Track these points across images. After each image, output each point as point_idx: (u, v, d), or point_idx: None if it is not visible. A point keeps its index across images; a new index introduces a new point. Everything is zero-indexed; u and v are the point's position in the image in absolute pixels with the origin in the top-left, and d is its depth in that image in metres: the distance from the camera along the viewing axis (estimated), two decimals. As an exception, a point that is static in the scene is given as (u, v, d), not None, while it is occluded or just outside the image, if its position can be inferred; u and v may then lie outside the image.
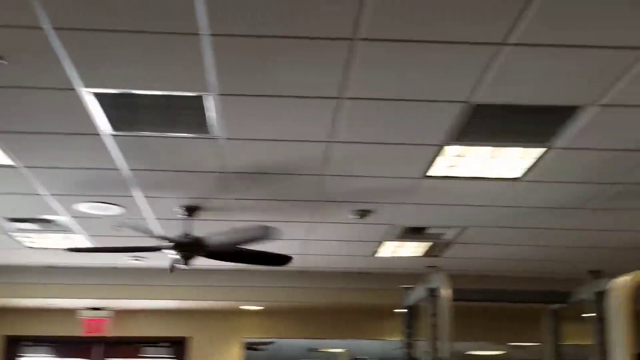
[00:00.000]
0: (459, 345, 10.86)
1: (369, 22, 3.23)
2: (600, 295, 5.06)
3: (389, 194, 5.84)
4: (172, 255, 6.04)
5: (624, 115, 4.34)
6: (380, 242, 7.54)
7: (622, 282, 3.40)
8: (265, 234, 5.58)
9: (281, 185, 5.66)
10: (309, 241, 7.44)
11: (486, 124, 4.48)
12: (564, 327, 6.24)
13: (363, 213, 6.29)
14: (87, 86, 3.92)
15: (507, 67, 3.70)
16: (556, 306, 5.62)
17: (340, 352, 12.42)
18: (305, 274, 9.14)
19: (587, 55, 3.60)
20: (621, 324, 3.31)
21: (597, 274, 5.05)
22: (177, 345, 10.04)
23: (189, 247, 5.82)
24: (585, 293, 5.10)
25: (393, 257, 8.16)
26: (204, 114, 4.29)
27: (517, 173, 5.36)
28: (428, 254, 7.91)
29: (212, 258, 6.27)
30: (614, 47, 3.53)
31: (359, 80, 3.83)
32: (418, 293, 6.02)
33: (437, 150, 4.87)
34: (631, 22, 3.30)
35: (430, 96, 4.05)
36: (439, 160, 5.07)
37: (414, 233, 7.09)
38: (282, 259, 6.67)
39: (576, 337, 8.69)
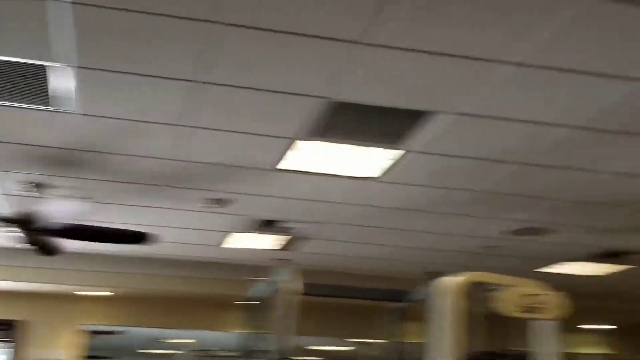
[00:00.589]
0: (306, 340, 10.98)
1: (228, 5, 3.16)
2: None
3: (241, 184, 5.78)
4: (17, 233, 5.73)
5: (476, 125, 4.46)
6: (231, 233, 7.46)
7: (450, 282, 3.54)
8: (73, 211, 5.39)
9: (128, 167, 5.45)
10: (158, 227, 7.25)
11: (343, 122, 4.48)
12: (409, 325, 6.38)
13: (214, 202, 6.20)
14: None
15: (364, 66, 3.70)
16: (398, 304, 5.78)
17: (189, 343, 12.31)
18: (152, 261, 8.90)
19: (441, 63, 3.66)
20: (449, 323, 3.44)
21: (435, 275, 5.22)
22: (9, 328, 9.61)
23: (24, 225, 5.50)
24: (423, 293, 5.24)
25: (244, 249, 8.11)
26: (46, 85, 4.03)
27: (373, 173, 5.40)
28: (280, 247, 7.89)
29: (57, 237, 5.92)
30: (467, 57, 3.61)
31: (215, 65, 3.74)
32: (266, 285, 6.04)
33: (291, 143, 4.83)
34: (483, 32, 3.37)
35: (286, 88, 4.02)
36: (292, 154, 5.01)
37: (266, 225, 7.05)
38: (137, 237, 6.24)
39: (419, 336, 9.04)
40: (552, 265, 8.50)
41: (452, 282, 3.51)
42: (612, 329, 11.19)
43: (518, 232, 7.02)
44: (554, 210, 6.31)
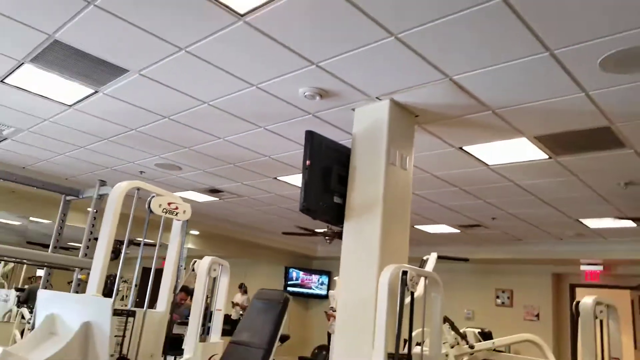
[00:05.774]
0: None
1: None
2: (101, 196, 4.80)
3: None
4: None
5: (149, 86, 4.14)
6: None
7: (119, 186, 3.15)
8: None
9: None
10: None
11: (60, 58, 3.85)
12: (72, 213, 5.87)
13: None
14: None
15: (89, 22, 3.19)
16: (70, 197, 5.13)
17: None
18: None
19: (138, 34, 3.30)
20: (111, 216, 3.05)
21: (104, 182, 4.86)
22: None
23: None
24: (92, 193, 4.82)
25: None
26: None
27: (71, 101, 4.73)
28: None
29: None
30: (154, 35, 3.28)
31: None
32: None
33: (17, 64, 4.01)
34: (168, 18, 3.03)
35: (19, 18, 3.30)
36: (17, 73, 4.15)
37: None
38: None
39: (79, 222, 8.30)
40: (178, 192, 8.29)
41: (121, 185, 3.12)
42: (197, 233, 11.48)
43: (160, 165, 6.68)
44: (185, 156, 6.18)
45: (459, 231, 8.96)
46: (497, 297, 10.67)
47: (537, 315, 10.02)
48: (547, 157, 4.81)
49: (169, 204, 3.32)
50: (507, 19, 2.73)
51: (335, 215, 3.90)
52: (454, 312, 10.79)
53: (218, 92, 4.12)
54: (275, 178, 6.76)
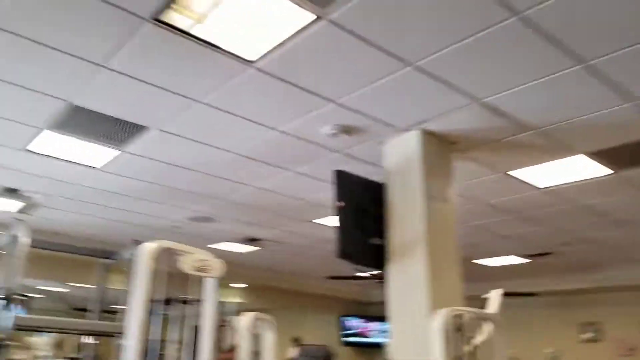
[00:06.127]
0: (34, 281, 9.42)
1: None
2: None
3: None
4: None
5: (174, 142, 4.12)
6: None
7: (147, 246, 3.00)
8: None
9: None
10: None
11: (79, 122, 3.83)
12: (112, 275, 5.81)
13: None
14: None
15: (102, 84, 3.16)
16: (107, 261, 5.08)
17: None
18: None
19: (156, 92, 3.27)
20: (143, 276, 2.91)
21: (138, 242, 4.76)
22: None
23: None
24: (128, 254, 4.74)
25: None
26: None
27: (98, 164, 4.72)
28: (18, 209, 6.50)
29: None
30: (174, 93, 3.22)
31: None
32: (4, 238, 4.93)
33: (37, 131, 4.02)
34: (186, 76, 2.96)
35: (38, 87, 3.31)
36: (38, 139, 4.16)
37: (9, 192, 5.75)
38: None
39: (120, 284, 8.23)
40: (216, 243, 8.18)
41: (148, 246, 2.97)
42: (245, 286, 11.21)
43: (193, 219, 6.58)
44: (218, 207, 6.04)
45: (528, 261, 8.33)
46: (583, 332, 9.76)
47: (633, 349, 9.16)
48: (608, 172, 4.47)
49: (200, 261, 3.17)
50: (526, 36, 2.53)
51: (375, 258, 3.67)
52: (534, 352, 9.89)
53: (241, 140, 4.04)
54: (312, 221, 6.59)
